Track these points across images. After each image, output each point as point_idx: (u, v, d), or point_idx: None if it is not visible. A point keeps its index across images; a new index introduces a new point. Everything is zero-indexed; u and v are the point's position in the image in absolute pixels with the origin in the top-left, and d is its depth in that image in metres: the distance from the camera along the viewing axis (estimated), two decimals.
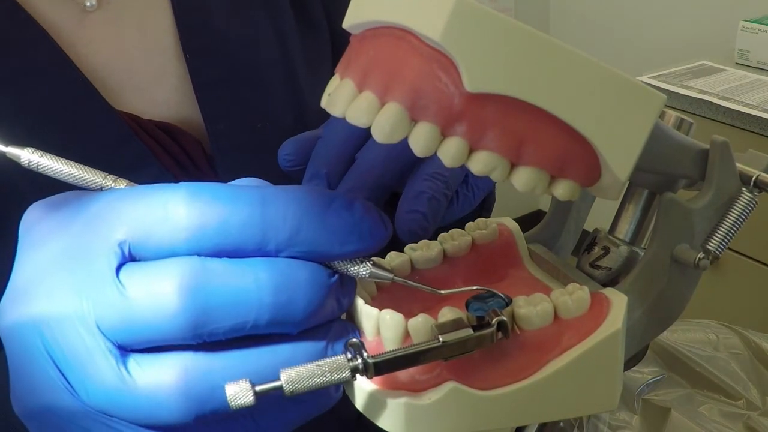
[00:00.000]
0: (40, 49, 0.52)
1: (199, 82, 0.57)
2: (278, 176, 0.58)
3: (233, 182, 0.34)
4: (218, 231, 0.30)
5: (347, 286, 0.35)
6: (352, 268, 0.34)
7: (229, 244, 0.31)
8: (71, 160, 0.46)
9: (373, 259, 0.35)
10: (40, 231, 0.33)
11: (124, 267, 0.31)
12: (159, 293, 0.29)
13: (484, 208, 0.69)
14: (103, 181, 0.35)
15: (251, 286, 0.30)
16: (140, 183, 0.39)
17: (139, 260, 0.31)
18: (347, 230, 0.32)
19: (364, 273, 0.34)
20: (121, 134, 0.53)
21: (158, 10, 0.58)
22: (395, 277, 0.36)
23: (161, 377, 0.30)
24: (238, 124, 0.58)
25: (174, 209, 0.30)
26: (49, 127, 0.52)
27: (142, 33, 0.58)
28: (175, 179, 0.54)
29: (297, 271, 0.32)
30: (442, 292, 0.37)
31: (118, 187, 0.35)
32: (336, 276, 0.33)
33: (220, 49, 0.58)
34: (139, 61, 0.57)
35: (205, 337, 0.30)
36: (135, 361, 0.30)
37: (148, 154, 0.53)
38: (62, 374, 0.31)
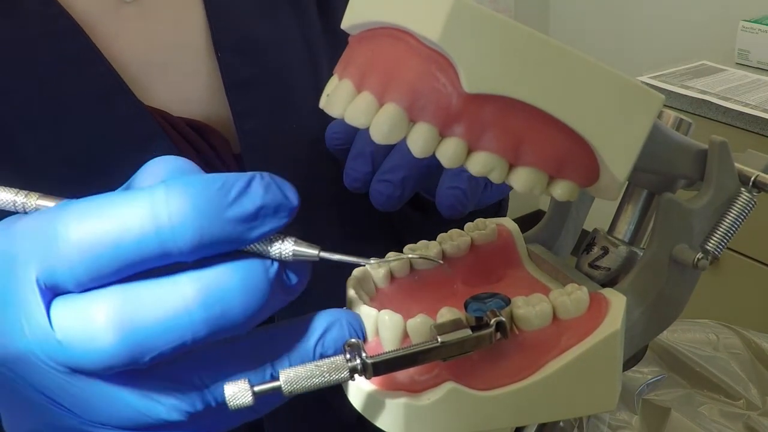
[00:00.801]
0: (71, 43, 0.53)
1: (230, 81, 0.57)
2: (304, 178, 0.58)
3: (140, 170, 0.32)
4: (114, 255, 0.28)
5: (294, 265, 0.33)
6: (273, 251, 0.32)
7: (131, 263, 0.29)
8: (99, 154, 0.45)
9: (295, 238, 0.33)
10: None
11: (53, 303, 0.29)
12: (91, 335, 0.28)
13: (502, 207, 0.69)
14: (15, 198, 0.33)
15: (179, 305, 0.29)
16: None
17: (65, 292, 0.30)
18: (251, 215, 0.30)
19: (287, 253, 0.32)
20: (150, 130, 0.53)
21: (191, 8, 0.59)
22: (321, 253, 0.33)
23: None
24: (266, 124, 0.58)
25: (64, 238, 0.29)
26: (78, 121, 0.52)
27: (175, 29, 0.58)
28: None
29: (227, 277, 0.30)
30: (372, 260, 0.35)
31: (32, 204, 0.33)
32: (275, 264, 0.32)
33: (250, 48, 0.59)
34: (171, 57, 0.57)
35: (149, 363, 0.29)
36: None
37: (175, 151, 0.53)
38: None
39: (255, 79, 0.59)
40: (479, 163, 0.33)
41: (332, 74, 0.38)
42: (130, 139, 0.53)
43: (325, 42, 0.64)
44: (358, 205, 0.63)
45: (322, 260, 0.34)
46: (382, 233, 0.68)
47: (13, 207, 0.34)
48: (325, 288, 0.60)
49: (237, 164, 0.58)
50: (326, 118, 0.60)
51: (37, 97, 0.52)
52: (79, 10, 0.54)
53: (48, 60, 0.53)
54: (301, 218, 0.58)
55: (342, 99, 0.35)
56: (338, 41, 0.65)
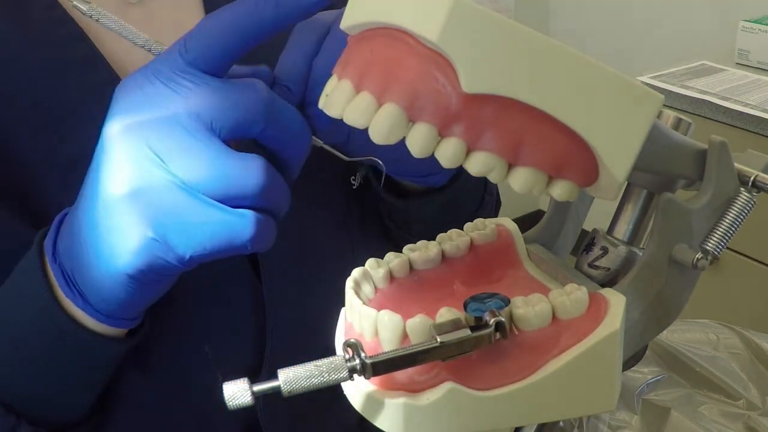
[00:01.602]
0: (75, 49, 0.53)
1: None
2: (302, 176, 0.59)
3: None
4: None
5: None
6: None
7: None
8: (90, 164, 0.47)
9: None
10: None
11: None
12: (252, 88, 0.40)
13: (485, 202, 0.69)
14: (153, 45, 0.46)
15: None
16: None
17: None
18: None
19: None
20: None
21: (190, 11, 0.60)
22: None
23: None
24: None
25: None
26: (81, 126, 0.53)
27: (177, 32, 0.58)
28: None
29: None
30: (346, 159, 0.38)
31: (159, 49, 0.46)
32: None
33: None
34: None
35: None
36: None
37: None
38: (160, 159, 0.39)
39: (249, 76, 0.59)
40: (479, 163, 0.33)
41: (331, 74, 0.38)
42: None
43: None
44: (362, 205, 0.63)
45: None
46: (381, 231, 0.68)
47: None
48: (325, 288, 0.60)
49: None
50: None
51: (40, 103, 0.52)
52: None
53: (52, 65, 0.53)
54: (300, 215, 0.59)
55: (341, 99, 0.35)
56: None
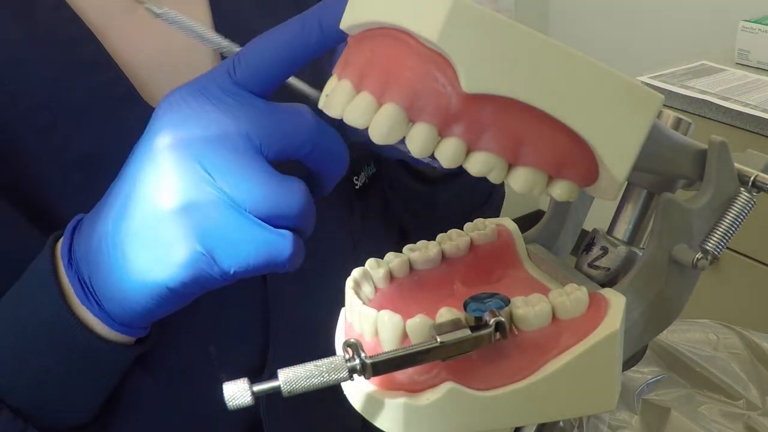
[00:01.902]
0: (83, 49, 0.54)
1: None
2: (307, 176, 0.59)
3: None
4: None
5: None
6: None
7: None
8: (109, 160, 0.50)
9: None
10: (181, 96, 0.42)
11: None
12: (299, 113, 0.42)
13: (492, 198, 0.70)
14: (223, 42, 0.48)
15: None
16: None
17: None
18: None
19: None
20: None
21: (198, 11, 0.60)
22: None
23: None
24: None
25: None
26: (88, 127, 0.53)
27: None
28: None
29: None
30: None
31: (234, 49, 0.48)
32: None
33: None
34: (182, 59, 0.58)
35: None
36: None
37: None
38: (210, 176, 0.40)
39: None
40: (479, 164, 0.33)
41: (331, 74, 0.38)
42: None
43: None
44: (364, 205, 0.63)
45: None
46: (386, 234, 0.68)
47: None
48: (328, 287, 0.61)
49: None
50: (327, 117, 0.61)
51: (47, 103, 0.52)
52: (93, 11, 0.55)
53: (59, 65, 0.53)
54: None
55: (341, 99, 0.35)
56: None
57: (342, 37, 0.39)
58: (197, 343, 0.57)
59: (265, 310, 0.59)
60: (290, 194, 0.41)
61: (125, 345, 0.47)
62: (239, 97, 0.41)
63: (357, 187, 0.64)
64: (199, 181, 0.40)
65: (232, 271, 0.41)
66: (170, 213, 0.40)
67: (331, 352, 0.57)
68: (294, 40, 0.41)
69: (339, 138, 0.44)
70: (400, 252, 0.43)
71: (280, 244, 0.41)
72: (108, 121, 0.53)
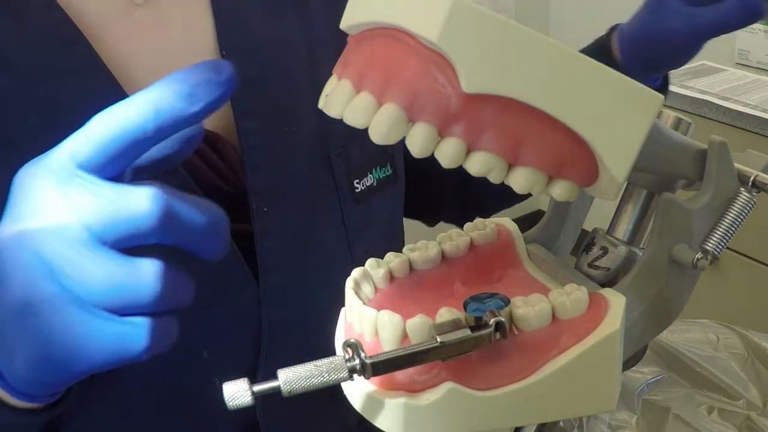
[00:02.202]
0: (72, 51, 0.53)
1: None
2: (302, 178, 0.59)
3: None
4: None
5: None
6: None
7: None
8: None
9: None
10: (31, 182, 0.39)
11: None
12: (141, 199, 0.37)
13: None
14: None
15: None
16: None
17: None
18: (189, 94, 0.37)
19: None
20: None
21: (199, 12, 0.60)
22: None
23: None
24: (267, 124, 0.59)
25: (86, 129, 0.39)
26: (78, 126, 0.52)
27: (184, 33, 0.59)
28: (208, 183, 0.56)
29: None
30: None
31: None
32: None
33: (253, 50, 0.60)
34: (180, 61, 0.58)
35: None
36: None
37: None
38: (52, 270, 0.37)
39: (257, 79, 0.59)
40: (479, 163, 0.33)
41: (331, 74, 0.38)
42: None
43: (334, 41, 0.64)
44: (356, 207, 0.63)
45: None
46: (384, 237, 0.68)
47: None
48: (322, 288, 0.61)
49: (242, 168, 0.58)
50: (325, 120, 0.61)
51: (37, 105, 0.52)
52: (91, 12, 0.55)
53: (49, 67, 0.53)
54: (299, 216, 0.58)
55: (341, 99, 0.35)
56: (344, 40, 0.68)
57: (185, 124, 0.38)
58: (192, 348, 0.57)
59: (257, 311, 0.59)
60: (137, 281, 0.38)
61: (33, 411, 0.46)
62: (81, 180, 0.38)
63: (357, 191, 0.63)
64: (39, 278, 0.37)
65: (76, 372, 0.40)
66: (10, 314, 0.39)
67: (326, 351, 0.58)
68: (129, 122, 0.38)
69: (203, 218, 0.39)
70: (399, 252, 0.43)
71: (131, 335, 0.38)
72: None
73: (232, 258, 0.56)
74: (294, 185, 0.60)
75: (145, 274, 0.38)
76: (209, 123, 0.58)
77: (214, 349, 0.57)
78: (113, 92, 0.54)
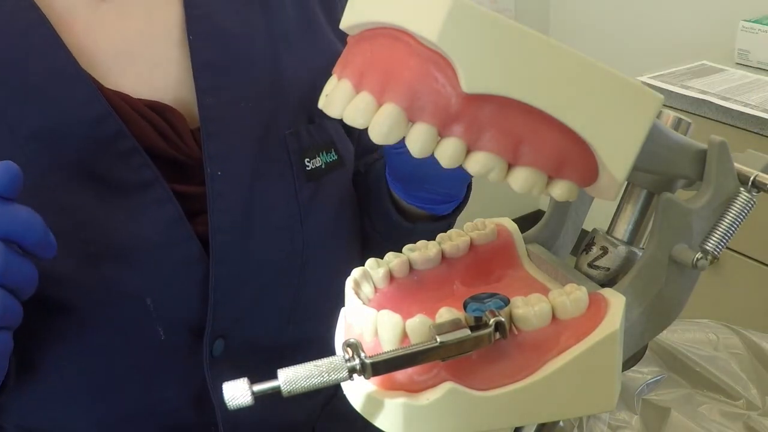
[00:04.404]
0: (36, 33, 0.59)
1: (197, 62, 0.63)
2: (255, 155, 0.64)
3: None
4: None
5: None
6: None
7: None
8: (57, 133, 0.59)
9: None
10: None
11: None
12: None
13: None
14: None
15: None
16: (119, 157, 0.59)
17: None
18: None
19: None
20: (102, 112, 0.59)
21: (166, 8, 0.65)
22: None
23: None
24: (225, 100, 0.64)
25: None
26: (40, 103, 0.58)
27: (149, 23, 0.64)
28: (159, 150, 0.61)
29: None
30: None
31: None
32: None
33: (219, 37, 0.65)
34: (143, 48, 0.63)
35: None
36: None
37: (124, 131, 0.59)
38: None
39: (219, 61, 0.64)
40: (478, 163, 0.33)
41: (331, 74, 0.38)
42: (84, 120, 0.58)
43: (299, 32, 0.70)
44: (310, 187, 0.66)
45: None
46: (334, 217, 0.70)
47: None
48: (269, 255, 0.63)
49: (194, 138, 0.63)
50: (280, 103, 0.64)
51: (5, 83, 0.58)
52: (59, 5, 0.61)
53: (15, 49, 0.58)
54: (250, 183, 0.63)
55: (341, 99, 0.35)
56: (314, 30, 0.71)
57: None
58: (134, 294, 0.60)
59: (204, 268, 0.61)
60: None
61: None
62: None
63: (308, 168, 0.67)
64: None
65: None
66: None
67: (273, 316, 0.59)
68: None
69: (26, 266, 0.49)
70: (399, 252, 0.43)
71: None
72: (56, 100, 0.58)
73: (175, 216, 0.60)
74: (246, 154, 0.64)
75: None
76: (170, 94, 0.64)
77: (158, 299, 0.60)
78: (72, 69, 0.59)
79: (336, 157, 0.70)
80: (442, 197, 0.70)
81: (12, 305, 0.48)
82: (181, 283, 0.61)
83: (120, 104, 0.60)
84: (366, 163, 0.80)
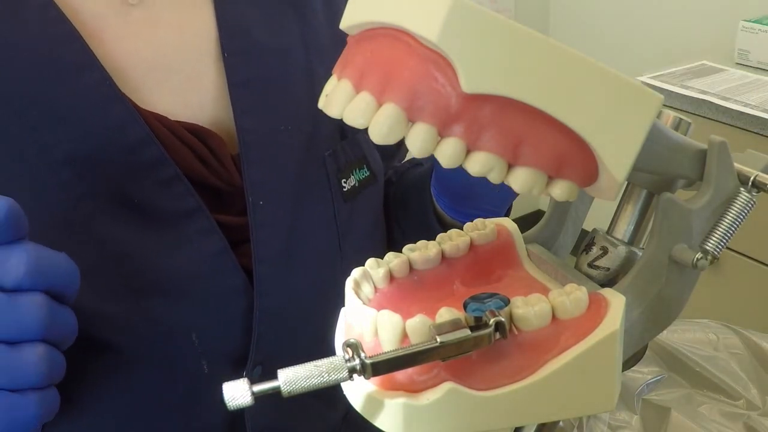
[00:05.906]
0: (68, 49, 0.54)
1: (234, 81, 0.60)
2: (295, 177, 0.62)
3: None
4: None
5: None
6: None
7: None
8: (95, 157, 0.53)
9: None
10: None
11: None
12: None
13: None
14: None
15: None
16: (160, 185, 0.54)
17: None
18: None
19: None
20: (142, 136, 0.55)
21: (199, 14, 0.61)
22: None
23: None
24: (264, 123, 0.61)
25: None
26: (74, 125, 0.54)
27: (181, 34, 0.60)
28: (199, 177, 0.58)
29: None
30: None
31: None
32: None
33: (254, 53, 0.61)
34: (176, 62, 0.59)
35: None
36: None
37: (165, 157, 0.55)
38: None
39: (256, 81, 0.61)
40: (478, 163, 0.33)
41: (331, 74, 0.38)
42: (122, 144, 0.54)
43: (332, 46, 0.67)
44: (347, 207, 0.65)
45: None
46: (369, 236, 0.69)
47: None
48: (312, 280, 0.62)
49: (234, 164, 0.60)
50: (320, 122, 0.62)
51: (36, 101, 0.53)
52: (86, 13, 0.56)
53: (45, 65, 0.53)
54: (292, 210, 0.61)
55: (341, 99, 0.35)
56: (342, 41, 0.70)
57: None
58: (181, 331, 0.58)
59: (248, 300, 0.60)
60: (24, 365, 0.42)
61: None
62: None
63: (345, 189, 0.65)
64: None
65: None
66: None
67: (315, 342, 0.59)
68: None
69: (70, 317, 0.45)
70: (399, 252, 0.43)
71: (22, 406, 0.43)
72: (93, 122, 0.54)
73: (220, 248, 0.58)
74: (288, 181, 0.61)
75: (30, 359, 0.42)
76: (207, 114, 0.60)
77: (203, 333, 0.58)
78: (109, 90, 0.54)
79: (368, 173, 0.68)
80: (486, 213, 0.69)
81: (58, 359, 0.45)
82: (225, 315, 0.59)
83: (158, 127, 0.56)
84: (397, 171, 0.78)
